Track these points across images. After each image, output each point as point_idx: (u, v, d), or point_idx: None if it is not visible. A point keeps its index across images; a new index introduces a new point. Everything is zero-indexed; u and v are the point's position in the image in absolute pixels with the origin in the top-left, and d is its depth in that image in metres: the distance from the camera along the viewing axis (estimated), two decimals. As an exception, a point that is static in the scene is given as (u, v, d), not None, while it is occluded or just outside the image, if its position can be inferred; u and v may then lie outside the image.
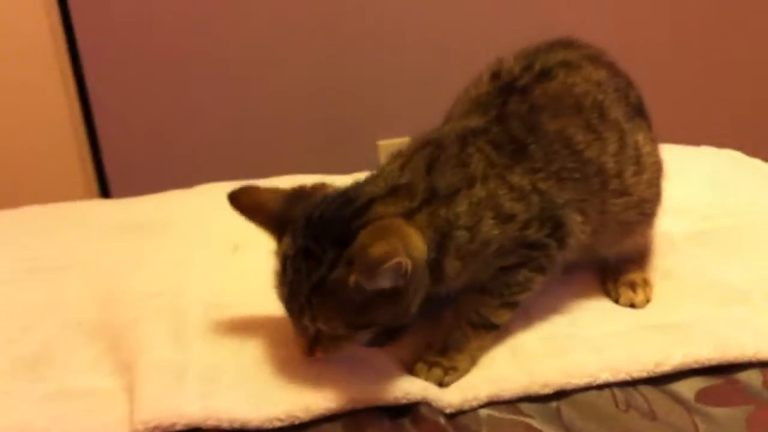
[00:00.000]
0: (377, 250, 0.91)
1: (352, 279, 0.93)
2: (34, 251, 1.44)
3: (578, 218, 1.11)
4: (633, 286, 1.21)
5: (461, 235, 1.02)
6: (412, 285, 0.97)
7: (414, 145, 1.10)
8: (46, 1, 2.20)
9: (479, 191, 1.04)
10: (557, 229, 1.09)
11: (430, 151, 1.07)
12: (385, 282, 0.93)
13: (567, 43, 1.23)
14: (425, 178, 1.03)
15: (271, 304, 1.18)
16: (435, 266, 1.01)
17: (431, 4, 2.40)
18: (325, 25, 2.37)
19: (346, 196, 1.02)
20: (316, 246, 0.97)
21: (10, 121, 2.29)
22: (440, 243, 1.01)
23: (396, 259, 0.90)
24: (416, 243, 0.96)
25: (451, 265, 1.03)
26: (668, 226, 1.33)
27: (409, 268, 0.93)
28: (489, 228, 1.04)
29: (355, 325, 0.99)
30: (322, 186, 1.07)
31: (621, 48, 1.25)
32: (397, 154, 1.09)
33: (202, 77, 2.36)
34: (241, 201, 1.07)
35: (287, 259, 1.00)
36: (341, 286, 0.94)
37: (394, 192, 1.02)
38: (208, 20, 2.31)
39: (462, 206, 1.03)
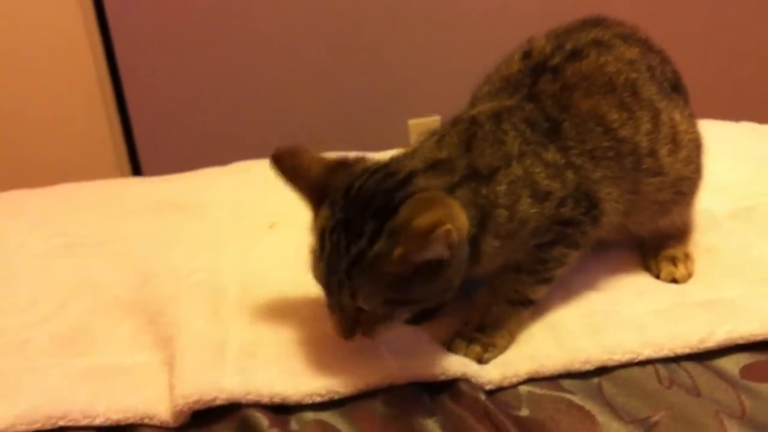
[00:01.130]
0: (425, 220, 0.89)
1: (398, 252, 0.90)
2: (69, 228, 1.44)
3: (614, 195, 1.09)
4: (674, 261, 1.20)
5: (501, 213, 1.01)
6: (455, 259, 0.96)
7: (448, 123, 1.09)
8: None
9: (516, 170, 1.03)
10: (592, 207, 1.08)
11: (465, 128, 1.06)
12: (433, 252, 0.91)
13: (598, 22, 1.21)
14: (464, 155, 1.02)
15: (307, 281, 1.18)
16: (473, 245, 1.00)
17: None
18: (357, 5, 2.36)
19: (387, 169, 1.01)
20: (356, 219, 0.95)
21: (42, 100, 2.30)
22: (480, 221, 1.00)
23: (445, 227, 0.88)
24: (460, 216, 0.94)
25: (489, 244, 1.02)
26: (710, 202, 1.31)
27: (455, 239, 0.91)
28: (527, 207, 1.03)
29: (396, 302, 0.96)
30: (362, 159, 1.06)
31: (660, 25, 1.23)
32: (432, 132, 1.08)
33: (236, 56, 2.36)
34: (283, 163, 1.04)
35: (325, 233, 0.98)
36: (383, 260, 0.92)
37: (434, 166, 1.01)
38: (235, 3, 2.31)
39: (502, 185, 1.02)
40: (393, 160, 1.03)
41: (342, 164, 1.04)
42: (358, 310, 0.98)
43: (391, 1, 2.38)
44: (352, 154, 1.11)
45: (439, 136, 1.06)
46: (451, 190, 0.98)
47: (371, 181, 0.98)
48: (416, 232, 0.89)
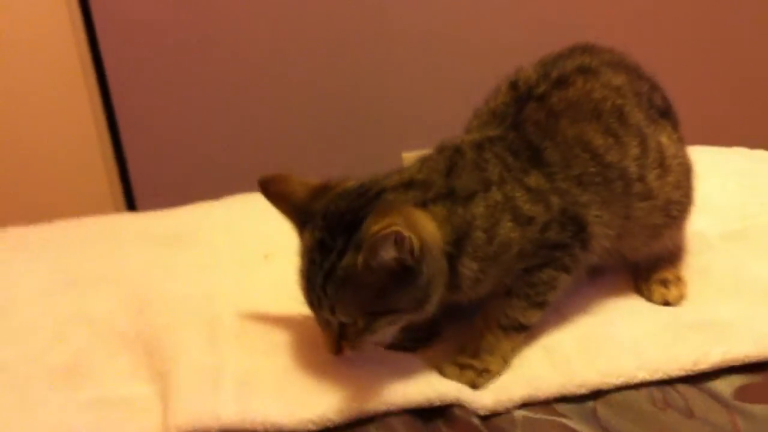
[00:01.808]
0: (378, 225, 0.92)
1: (359, 259, 0.94)
2: (69, 264, 1.45)
3: (602, 218, 1.10)
4: (666, 283, 1.20)
5: (478, 236, 1.03)
6: (426, 267, 0.97)
7: (434, 149, 1.12)
8: (70, 10, 2.23)
9: (495, 194, 1.04)
10: (579, 231, 1.09)
11: (449, 155, 1.09)
12: (386, 254, 0.93)
13: (585, 49, 1.23)
14: (444, 179, 1.05)
15: (302, 309, 1.19)
16: (452, 266, 1.02)
17: (458, 17, 2.40)
18: (353, 38, 2.38)
19: (361, 188, 1.04)
20: (329, 237, 0.99)
21: (36, 135, 2.31)
22: (458, 241, 1.02)
23: (393, 229, 0.91)
24: (426, 225, 0.98)
25: (468, 267, 1.03)
26: (702, 225, 1.32)
27: (416, 244, 0.94)
28: (507, 231, 1.04)
29: (373, 313, 0.99)
30: (344, 180, 1.08)
31: (651, 51, 1.25)
32: (418, 159, 1.11)
33: (230, 90, 2.38)
34: (269, 188, 1.09)
35: (305, 253, 1.02)
36: (351, 271, 0.95)
37: (409, 185, 1.04)
38: (234, 33, 2.33)
39: (479, 208, 1.03)
40: (369, 180, 1.06)
41: (324, 187, 1.07)
42: (341, 324, 1.00)
43: (385, 33, 2.40)
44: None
45: (422, 161, 1.09)
46: (423, 204, 1.01)
47: (345, 200, 1.02)
48: (369, 236, 0.92)
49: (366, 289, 0.97)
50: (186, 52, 2.32)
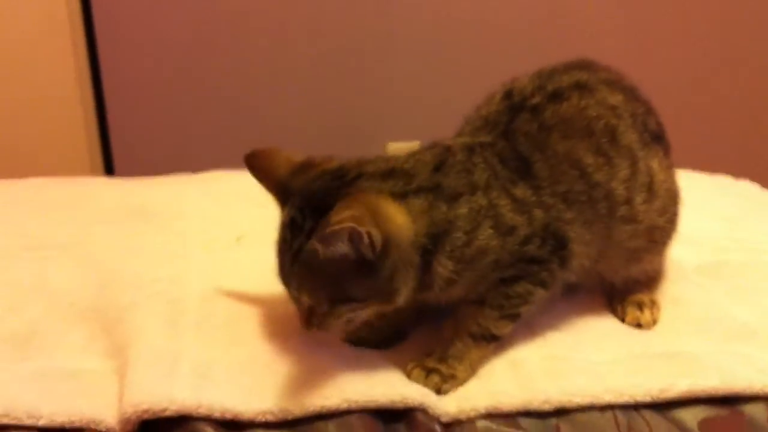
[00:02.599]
0: (335, 217, 0.91)
1: (310, 246, 0.93)
2: (31, 228, 1.42)
3: (583, 237, 1.09)
4: (640, 306, 1.19)
5: (458, 237, 1.02)
6: (388, 261, 0.96)
7: (425, 146, 1.11)
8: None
9: (480, 199, 1.03)
10: (560, 247, 1.08)
11: (438, 152, 1.07)
12: (340, 248, 0.93)
13: (585, 65, 1.22)
14: (431, 173, 1.04)
15: (269, 298, 1.17)
16: (427, 262, 1.01)
17: (442, 10, 2.39)
18: (341, 24, 2.36)
19: (340, 171, 1.03)
20: (300, 217, 0.99)
21: (19, 92, 2.27)
22: (436, 237, 1.01)
23: (347, 224, 0.90)
24: (394, 218, 0.97)
25: (443, 265, 1.02)
26: (680, 254, 1.31)
27: (376, 239, 0.93)
28: (487, 237, 1.03)
29: (334, 299, 0.98)
30: (329, 159, 1.07)
31: (644, 74, 1.24)
32: (407, 153, 1.09)
33: (219, 70, 2.35)
34: (255, 162, 1.08)
35: (280, 230, 1.02)
36: (313, 256, 0.94)
37: (390, 174, 1.02)
38: (225, 9, 2.30)
39: (463, 209, 1.02)
40: (350, 163, 1.05)
41: (306, 164, 1.06)
42: (309, 304, 1.00)
43: (373, 23, 2.39)
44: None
45: (411, 154, 1.07)
46: (402, 195, 1.00)
47: (321, 181, 1.01)
48: (323, 226, 0.91)
49: (326, 275, 0.97)
50: (180, 24, 2.29)
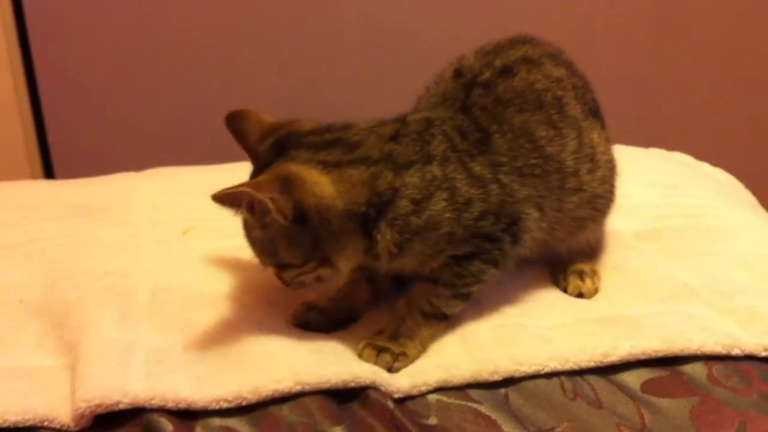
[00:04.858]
0: (243, 185, 0.98)
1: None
2: (-24, 229, 1.40)
3: (535, 215, 1.12)
4: (581, 275, 1.22)
5: (404, 205, 1.04)
6: (310, 228, 1.01)
7: (389, 118, 1.13)
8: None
9: (435, 169, 1.05)
10: (513, 224, 1.10)
11: (396, 126, 1.09)
12: (243, 212, 1.00)
13: (527, 40, 1.24)
14: (384, 143, 1.06)
15: (219, 287, 1.18)
16: (367, 230, 1.04)
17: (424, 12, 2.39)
18: (293, 18, 2.34)
19: (287, 137, 1.07)
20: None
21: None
22: (379, 206, 1.03)
23: (241, 190, 0.97)
24: (316, 187, 1.01)
25: (384, 233, 1.04)
26: (619, 224, 1.35)
27: (284, 206, 0.99)
28: (441, 209, 1.04)
29: (275, 263, 1.07)
30: (297, 121, 1.11)
31: (577, 49, 1.26)
32: (373, 120, 1.13)
33: (158, 61, 2.31)
34: (232, 123, 1.12)
35: None
36: (247, 223, 1.05)
37: (331, 143, 1.06)
38: (163, 6, 2.27)
39: (412, 178, 1.04)
40: (298, 131, 1.08)
41: (272, 130, 1.10)
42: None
43: (318, 19, 2.37)
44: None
45: (373, 125, 1.10)
46: (336, 165, 1.03)
47: (268, 150, 1.06)
48: (224, 192, 0.97)
49: (262, 243, 1.05)
50: (116, 11, 2.24)
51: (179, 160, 1.68)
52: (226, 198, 0.98)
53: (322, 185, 1.01)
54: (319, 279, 1.07)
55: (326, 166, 1.03)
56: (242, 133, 1.11)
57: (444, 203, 1.04)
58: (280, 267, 1.07)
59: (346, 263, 1.06)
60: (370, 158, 1.04)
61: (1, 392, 0.98)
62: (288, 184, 0.99)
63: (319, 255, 1.03)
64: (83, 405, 0.93)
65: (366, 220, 1.03)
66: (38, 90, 2.26)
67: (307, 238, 1.02)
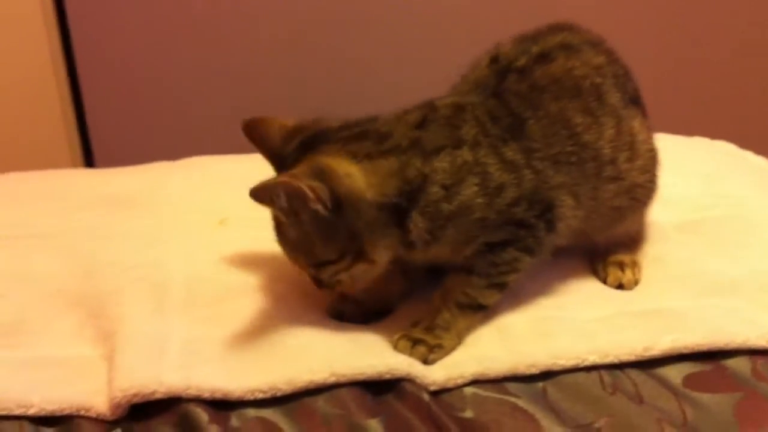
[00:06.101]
0: (281, 175, 0.98)
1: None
2: (14, 218, 1.41)
3: (570, 202, 1.10)
4: (622, 266, 1.20)
5: (435, 191, 1.03)
6: (346, 220, 1.00)
7: (408, 108, 1.11)
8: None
9: (465, 154, 1.04)
10: (547, 211, 1.08)
11: (424, 112, 1.08)
12: (280, 203, 0.98)
13: (567, 27, 1.22)
14: (411, 131, 1.05)
15: (253, 277, 1.18)
16: (401, 219, 1.03)
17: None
18: (325, 18, 2.33)
19: (313, 137, 1.05)
20: None
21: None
22: (410, 194, 1.02)
23: (281, 180, 0.97)
24: (349, 178, 0.99)
25: (416, 221, 1.03)
26: (659, 215, 1.32)
27: (323, 194, 0.97)
28: (472, 194, 1.03)
29: (311, 262, 1.04)
30: (316, 122, 1.09)
31: (619, 38, 1.24)
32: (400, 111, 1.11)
33: (196, 59, 2.32)
34: (251, 131, 1.11)
35: None
36: (281, 223, 1.03)
37: (360, 136, 1.05)
38: (202, 2, 2.27)
39: (442, 163, 1.03)
40: (327, 128, 1.07)
41: (295, 131, 1.08)
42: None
43: (364, 17, 2.35)
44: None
45: (400, 113, 1.09)
46: (367, 157, 1.02)
47: (295, 149, 1.05)
48: (261, 187, 0.97)
49: (298, 242, 1.03)
50: (153, 11, 2.25)
51: (216, 149, 1.67)
52: (263, 191, 0.96)
53: (354, 176, 1.00)
54: (355, 276, 1.05)
55: (357, 157, 1.01)
56: (263, 139, 1.09)
57: (475, 188, 1.03)
58: (317, 266, 1.04)
59: (382, 256, 1.04)
60: (400, 147, 1.03)
61: (39, 381, 0.99)
62: (323, 174, 0.98)
63: (355, 248, 1.01)
64: (119, 394, 0.93)
65: (399, 210, 1.02)
66: (79, 80, 2.28)
67: (343, 230, 1.00)
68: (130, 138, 2.34)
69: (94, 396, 0.96)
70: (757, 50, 2.48)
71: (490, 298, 1.09)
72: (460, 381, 1.00)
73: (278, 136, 1.08)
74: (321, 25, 2.34)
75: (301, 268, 1.07)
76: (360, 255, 1.02)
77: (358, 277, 1.05)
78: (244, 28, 2.31)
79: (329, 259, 1.02)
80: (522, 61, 1.15)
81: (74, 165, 2.31)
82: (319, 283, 1.07)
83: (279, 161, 1.06)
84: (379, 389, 0.99)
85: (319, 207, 0.97)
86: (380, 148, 1.03)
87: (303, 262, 1.05)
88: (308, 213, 0.98)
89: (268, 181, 0.97)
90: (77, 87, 2.29)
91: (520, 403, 0.97)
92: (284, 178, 0.97)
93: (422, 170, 1.02)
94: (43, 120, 2.29)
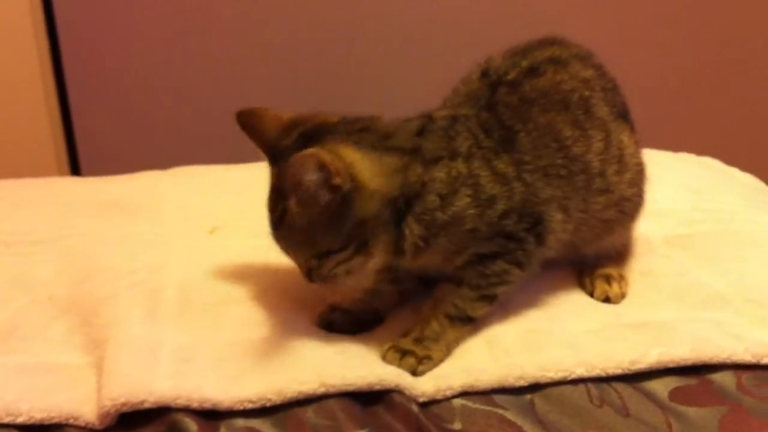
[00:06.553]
0: (299, 154, 0.96)
1: (291, 197, 0.99)
2: (5, 225, 1.41)
3: (559, 216, 1.11)
4: (608, 280, 1.21)
5: (432, 200, 1.04)
6: (356, 206, 1.00)
7: (412, 116, 1.12)
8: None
9: (460, 166, 1.05)
10: (537, 224, 1.09)
11: (422, 121, 1.09)
12: (308, 177, 0.96)
13: (556, 41, 1.24)
14: (411, 137, 1.06)
15: (246, 285, 1.18)
16: (398, 224, 1.03)
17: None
18: (320, 24, 2.34)
19: (317, 129, 1.05)
20: (279, 179, 1.03)
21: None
22: (408, 198, 1.03)
23: (311, 152, 0.95)
24: (363, 165, 1.00)
25: (412, 228, 1.04)
26: (648, 229, 1.33)
27: (343, 172, 0.97)
28: (465, 205, 1.04)
29: (315, 253, 1.03)
30: (315, 116, 1.09)
31: (607, 53, 1.25)
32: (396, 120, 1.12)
33: (183, 67, 2.32)
34: (245, 122, 1.10)
35: (269, 191, 1.05)
36: (288, 214, 1.01)
37: (364, 129, 1.05)
38: (190, 8, 2.28)
39: (440, 173, 1.04)
40: (328, 122, 1.07)
41: (293, 124, 1.08)
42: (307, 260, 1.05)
43: (362, 22, 2.36)
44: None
45: (398, 121, 1.10)
46: (373, 148, 1.03)
47: (296, 143, 1.04)
48: (290, 163, 0.96)
49: (303, 231, 1.02)
50: (144, 8, 2.25)
51: (204, 158, 1.68)
52: (297, 162, 0.95)
53: (361, 163, 1.00)
54: (351, 271, 1.04)
55: (364, 148, 1.02)
56: (258, 130, 1.09)
57: (468, 199, 1.04)
58: (319, 256, 1.03)
59: (379, 253, 1.04)
60: (403, 148, 1.04)
61: (28, 389, 0.99)
62: (341, 159, 0.98)
63: (360, 237, 1.02)
64: (109, 403, 0.93)
65: (396, 211, 1.03)
66: (66, 88, 2.28)
67: (350, 217, 1.00)
68: (117, 145, 2.34)
69: (83, 404, 0.96)
70: (741, 69, 2.50)
71: (479, 310, 1.10)
72: (448, 393, 1.00)
73: (273, 128, 1.08)
74: (314, 32, 2.35)
75: (300, 261, 1.06)
76: (362, 246, 1.02)
77: (354, 271, 1.04)
78: (234, 36, 2.32)
79: (333, 248, 1.02)
80: (512, 75, 1.16)
81: (60, 172, 2.31)
82: (311, 276, 1.06)
83: (274, 153, 1.06)
84: (368, 400, 0.99)
85: (341, 182, 0.97)
86: (384, 144, 1.04)
87: (305, 253, 1.04)
88: (324, 193, 0.98)
89: (300, 155, 0.95)
90: (65, 94, 2.29)
91: (508, 415, 0.97)
92: (312, 150, 0.96)
93: (422, 177, 1.03)
94: (29, 127, 2.29)
